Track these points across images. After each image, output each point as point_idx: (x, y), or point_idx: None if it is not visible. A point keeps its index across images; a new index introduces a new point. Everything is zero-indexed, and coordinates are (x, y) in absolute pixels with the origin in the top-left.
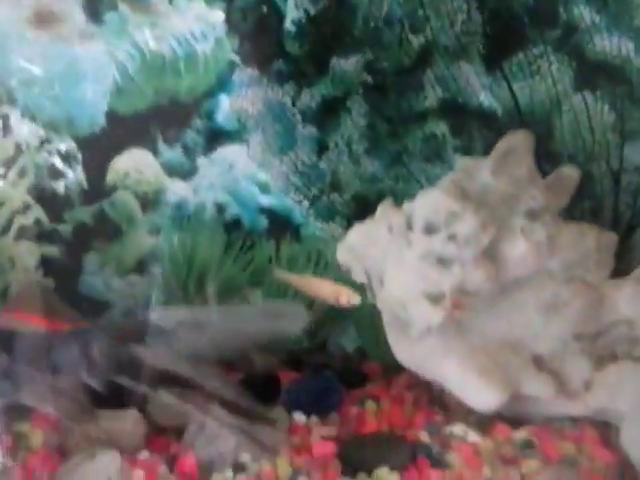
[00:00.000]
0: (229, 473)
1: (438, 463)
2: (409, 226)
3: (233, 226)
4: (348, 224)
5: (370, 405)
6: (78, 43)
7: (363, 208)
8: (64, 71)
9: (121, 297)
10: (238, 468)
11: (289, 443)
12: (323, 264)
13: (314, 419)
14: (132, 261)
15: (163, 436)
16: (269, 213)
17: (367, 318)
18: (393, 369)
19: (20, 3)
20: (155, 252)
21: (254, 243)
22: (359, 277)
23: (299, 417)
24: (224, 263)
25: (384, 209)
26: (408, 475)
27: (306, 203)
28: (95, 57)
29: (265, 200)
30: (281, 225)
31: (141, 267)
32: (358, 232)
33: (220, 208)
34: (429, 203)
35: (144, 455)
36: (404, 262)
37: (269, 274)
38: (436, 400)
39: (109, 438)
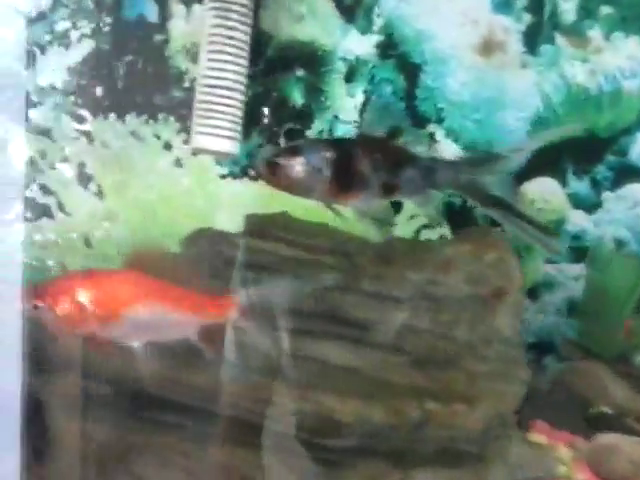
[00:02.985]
0: None
1: None
2: None
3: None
4: None
5: None
6: (510, 72)
7: None
8: (492, 97)
9: None
10: None
11: None
12: None
13: None
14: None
15: None
16: None
17: None
18: None
19: (474, 32)
20: (549, 280)
21: None
22: None
23: None
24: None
25: None
26: None
27: None
28: (523, 86)
29: None
30: None
31: (534, 294)
32: None
33: (619, 243)
34: None
35: None
36: None
37: None
38: None
39: None
